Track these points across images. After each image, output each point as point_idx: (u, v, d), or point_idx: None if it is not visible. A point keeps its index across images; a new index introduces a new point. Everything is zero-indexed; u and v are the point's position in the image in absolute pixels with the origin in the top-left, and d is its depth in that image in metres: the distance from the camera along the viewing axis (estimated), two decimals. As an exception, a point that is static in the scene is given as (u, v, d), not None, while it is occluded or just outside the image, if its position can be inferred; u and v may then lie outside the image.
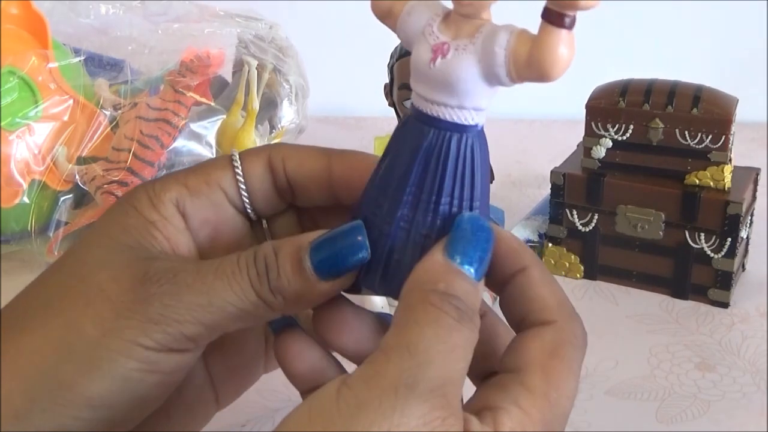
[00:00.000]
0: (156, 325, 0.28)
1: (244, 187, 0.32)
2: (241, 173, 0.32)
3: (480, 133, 0.29)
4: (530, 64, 0.26)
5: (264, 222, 0.35)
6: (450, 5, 0.28)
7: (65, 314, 0.28)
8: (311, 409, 0.26)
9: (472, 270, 0.28)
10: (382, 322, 0.32)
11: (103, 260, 0.30)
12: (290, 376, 0.32)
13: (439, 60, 0.27)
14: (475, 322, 0.27)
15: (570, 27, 0.25)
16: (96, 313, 0.28)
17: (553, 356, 0.28)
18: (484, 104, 0.28)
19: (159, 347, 0.28)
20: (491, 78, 0.27)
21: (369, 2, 0.29)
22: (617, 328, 0.56)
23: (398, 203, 0.29)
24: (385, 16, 0.29)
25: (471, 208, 0.29)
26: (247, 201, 0.33)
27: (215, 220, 0.32)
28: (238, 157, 0.33)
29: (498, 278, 0.30)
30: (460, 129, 0.28)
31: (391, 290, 0.30)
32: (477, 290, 0.28)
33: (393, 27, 0.29)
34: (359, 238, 0.29)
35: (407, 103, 0.61)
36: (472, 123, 0.28)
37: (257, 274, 0.29)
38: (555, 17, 0.25)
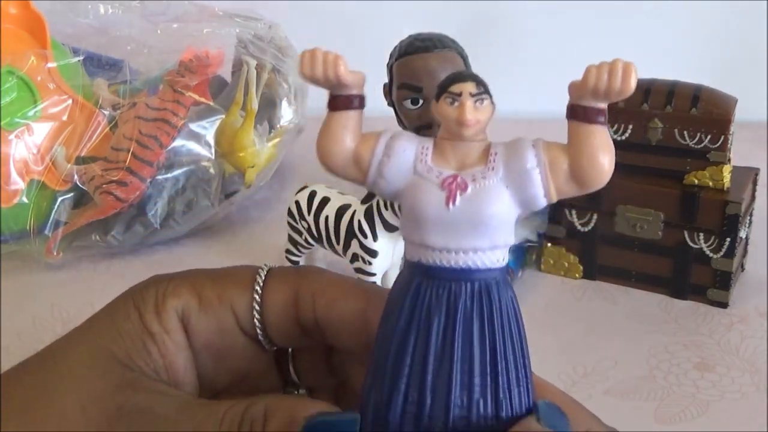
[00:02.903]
0: None
1: (259, 317, 0.28)
2: (259, 299, 0.28)
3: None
4: (574, 177, 0.23)
5: (290, 352, 0.31)
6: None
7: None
8: None
9: None
10: None
11: (81, 375, 0.27)
12: None
13: (458, 198, 0.22)
14: None
15: (606, 122, 0.22)
16: None
17: None
18: (513, 238, 0.23)
19: None
20: (526, 204, 0.23)
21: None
22: (616, 328, 0.56)
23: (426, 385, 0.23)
24: (348, 166, 0.24)
25: (526, 367, 0.24)
26: (261, 332, 0.29)
27: (219, 346, 0.29)
28: (264, 275, 0.29)
29: None
30: (496, 274, 0.23)
31: None
32: None
33: (361, 178, 0.24)
34: None
35: (407, 104, 0.61)
36: (504, 263, 0.23)
37: None
38: (589, 114, 0.22)
